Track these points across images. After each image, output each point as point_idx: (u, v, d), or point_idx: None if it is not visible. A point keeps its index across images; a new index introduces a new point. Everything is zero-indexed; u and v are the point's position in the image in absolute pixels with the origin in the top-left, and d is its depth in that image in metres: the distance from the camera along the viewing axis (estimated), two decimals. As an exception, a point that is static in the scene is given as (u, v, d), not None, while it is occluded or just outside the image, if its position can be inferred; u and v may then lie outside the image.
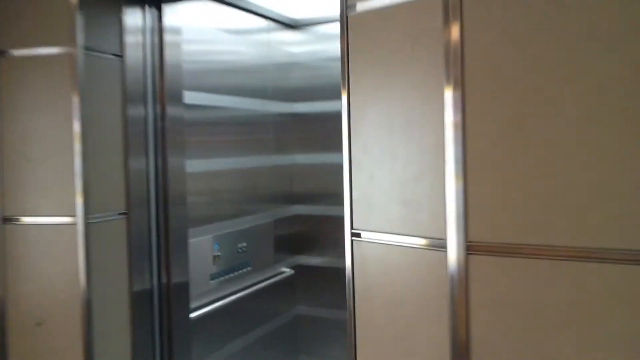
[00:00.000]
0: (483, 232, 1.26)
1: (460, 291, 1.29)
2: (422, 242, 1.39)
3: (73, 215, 1.55)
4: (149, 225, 1.73)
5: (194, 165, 2.31)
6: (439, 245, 1.34)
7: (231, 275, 2.51)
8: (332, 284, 3.06)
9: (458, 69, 1.26)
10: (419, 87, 1.36)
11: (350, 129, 1.57)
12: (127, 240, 1.65)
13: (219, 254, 2.42)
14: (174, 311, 1.85)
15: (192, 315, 2.20)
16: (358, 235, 1.59)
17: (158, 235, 1.76)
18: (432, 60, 1.31)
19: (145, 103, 1.87)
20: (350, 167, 1.59)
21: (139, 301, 1.73)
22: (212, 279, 2.39)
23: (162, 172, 1.78)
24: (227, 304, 2.43)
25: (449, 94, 1.28)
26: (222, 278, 2.45)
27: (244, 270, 2.61)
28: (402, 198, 1.44)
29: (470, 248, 1.29)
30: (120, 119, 1.73)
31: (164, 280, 1.81)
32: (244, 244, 2.60)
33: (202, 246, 2.33)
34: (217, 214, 2.46)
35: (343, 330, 3.26)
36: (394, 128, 1.44)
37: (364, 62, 1.49)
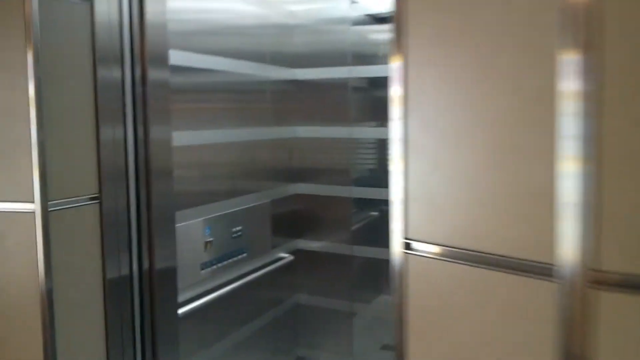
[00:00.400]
0: (622, 258, 0.85)
1: (580, 343, 0.92)
2: (512, 264, 0.98)
3: (31, 202, 1.23)
4: (127, 210, 1.41)
5: (182, 137, 1.98)
6: (544, 272, 0.94)
7: (224, 263, 2.21)
8: (334, 270, 2.78)
9: (591, 24, 0.91)
10: (519, 42, 0.96)
11: (404, 96, 1.12)
12: (99, 229, 1.33)
13: (211, 239, 2.12)
14: (159, 308, 1.55)
15: (181, 310, 1.90)
16: (411, 246, 1.14)
17: (139, 221, 1.44)
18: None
19: (122, 62, 1.53)
20: (405, 150, 1.14)
21: (114, 297, 1.42)
22: (203, 269, 2.09)
23: (143, 147, 1.46)
24: (220, 296, 2.14)
25: (573, 57, 0.90)
26: (214, 267, 2.15)
27: (239, 257, 2.31)
28: (481, 197, 1.02)
29: (597, 281, 0.88)
30: (89, 80, 1.39)
31: (145, 274, 1.50)
32: (239, 228, 2.29)
33: (192, 231, 2.02)
34: (208, 193, 2.15)
35: (345, 321, 3.00)
36: (472, 95, 1.02)
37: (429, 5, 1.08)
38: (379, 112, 2.85)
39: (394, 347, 1.15)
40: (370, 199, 2.86)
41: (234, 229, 2.27)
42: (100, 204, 1.32)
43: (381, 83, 2.87)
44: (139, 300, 1.47)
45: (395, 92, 1.11)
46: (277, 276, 2.60)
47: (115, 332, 1.40)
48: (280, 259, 2.63)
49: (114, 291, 1.37)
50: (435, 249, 1.08)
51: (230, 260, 2.25)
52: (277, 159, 2.63)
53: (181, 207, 1.97)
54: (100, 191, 1.32)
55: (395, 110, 1.12)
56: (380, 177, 2.93)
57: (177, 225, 1.93)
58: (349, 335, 2.80)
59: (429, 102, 1.08)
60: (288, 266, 2.65)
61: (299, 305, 2.87)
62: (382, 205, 2.96)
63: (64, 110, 1.30)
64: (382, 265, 2.89)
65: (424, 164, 1.10)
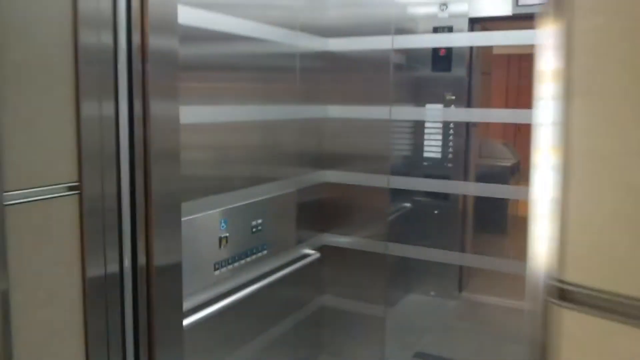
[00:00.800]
0: None
1: None
2: None
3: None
4: (118, 200, 1.09)
5: (192, 113, 1.65)
6: None
7: (242, 262, 1.90)
8: (365, 270, 2.45)
9: None
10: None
11: (563, 71, 0.77)
12: (79, 221, 1.01)
13: (227, 234, 1.80)
14: (158, 315, 1.24)
15: (187, 321, 1.59)
16: (568, 294, 0.74)
17: (133, 214, 1.12)
18: None
19: (114, 18, 1.18)
20: (563, 146, 0.75)
21: (98, 300, 1.11)
22: (217, 269, 1.77)
23: (141, 125, 1.13)
24: (236, 300, 1.82)
25: None
26: (230, 266, 1.83)
27: (259, 254, 1.99)
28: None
29: None
30: (68, 42, 1.05)
31: (140, 273, 1.18)
32: (259, 221, 1.97)
33: (203, 225, 1.70)
34: (224, 181, 1.82)
35: (375, 327, 2.68)
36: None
37: None
38: (423, 91, 2.49)
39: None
40: (410, 191, 2.52)
41: (254, 222, 1.94)
42: (81, 193, 1.00)
43: (427, 56, 2.50)
44: (131, 305, 1.15)
45: (547, 64, 0.74)
46: (300, 276, 2.28)
47: (99, 341, 1.09)
48: (305, 256, 2.31)
49: (98, 293, 1.05)
50: (612, 302, 0.68)
51: (248, 259, 1.93)
52: (304, 142, 2.30)
53: (190, 197, 1.65)
54: (80, 178, 1.00)
55: (546, 91, 0.75)
56: (422, 166, 2.58)
57: (185, 218, 1.61)
58: (380, 342, 2.48)
59: (605, 85, 0.70)
60: (313, 265, 2.32)
61: (324, 309, 2.55)
62: (424, 198, 2.62)
63: (29, 76, 0.97)
64: (419, 267, 2.55)
65: (594, 172, 0.71)
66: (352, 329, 2.52)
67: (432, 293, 2.78)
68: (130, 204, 1.13)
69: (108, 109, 1.08)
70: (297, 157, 2.25)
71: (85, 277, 1.05)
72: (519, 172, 3.56)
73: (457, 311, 2.77)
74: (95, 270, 1.08)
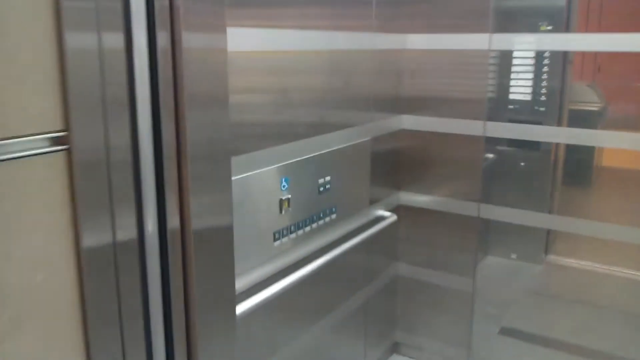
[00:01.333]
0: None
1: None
2: None
3: None
4: (134, 155, 0.72)
5: (242, 38, 1.25)
6: None
7: (307, 229, 1.52)
8: (448, 235, 2.05)
9: None
10: None
11: None
12: (68, 178, 0.65)
13: (289, 196, 1.42)
14: (201, 300, 0.88)
15: (241, 309, 1.24)
16: None
17: (158, 174, 0.75)
18: None
19: None
20: None
21: (101, 277, 0.76)
22: (277, 239, 1.41)
23: (169, 54, 0.73)
24: (300, 278, 1.46)
25: None
26: (292, 235, 1.46)
27: (327, 219, 1.61)
28: None
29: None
30: None
31: (175, 250, 0.82)
32: (328, 178, 1.58)
33: (258, 186, 1.33)
34: (285, 128, 1.43)
35: (458, 301, 2.27)
36: None
37: None
38: (536, 15, 1.99)
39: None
40: (513, 141, 2.06)
41: (322, 180, 1.56)
42: (70, 149, 0.63)
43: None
44: (159, 283, 0.80)
45: None
46: (373, 242, 1.90)
47: (106, 330, 0.75)
48: (380, 219, 1.92)
49: (100, 267, 0.70)
50: None
51: (314, 225, 1.55)
52: (380, 80, 1.86)
53: (241, 149, 1.27)
54: (68, 124, 0.63)
55: None
56: (507, 110, 2.10)
57: (235, 178, 1.23)
58: (465, 318, 2.10)
59: None
60: (389, 228, 1.93)
61: (398, 278, 2.18)
62: (508, 148, 2.16)
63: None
64: (499, 226, 2.12)
65: None
66: (428, 302, 2.14)
67: (513, 256, 2.35)
68: (155, 158, 0.75)
69: (112, 39, 0.69)
70: (371, 98, 1.82)
71: (80, 249, 0.69)
72: (606, 117, 3.00)
73: (544, 277, 2.33)
74: (95, 239, 0.72)
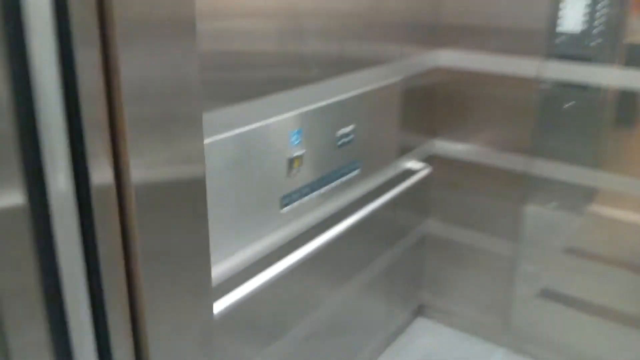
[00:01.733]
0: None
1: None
2: None
3: None
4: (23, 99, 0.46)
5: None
6: None
7: (321, 191, 1.27)
8: (487, 189, 1.78)
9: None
10: None
11: None
12: None
13: (301, 152, 1.16)
14: (152, 298, 0.64)
15: (220, 307, 1.01)
16: None
17: (73, 118, 0.49)
18: None
19: None
20: None
21: None
22: (285, 205, 1.16)
23: None
24: (311, 252, 1.22)
25: None
26: (306, 199, 1.21)
27: (347, 176, 1.35)
28: None
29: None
30: None
31: (107, 216, 0.57)
32: (350, 128, 1.31)
33: (262, 140, 1.06)
34: (296, 67, 1.14)
35: (492, 263, 2.00)
36: None
37: None
38: None
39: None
40: (579, 84, 1.73)
41: (342, 131, 1.28)
42: None
43: None
44: (82, 261, 0.55)
45: None
46: (401, 198, 1.64)
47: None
48: (410, 172, 1.65)
49: None
50: None
51: (333, 184, 1.30)
52: (415, 3, 1.53)
53: (240, 95, 0.99)
54: None
55: None
56: (552, 44, 1.76)
57: (232, 132, 0.97)
58: (504, 283, 1.87)
59: None
60: (421, 182, 1.67)
61: (428, 237, 1.94)
62: (551, 87, 1.83)
63: None
64: (567, 191, 1.83)
65: None
66: (464, 263, 1.91)
67: (553, 204, 2.07)
68: (66, 98, 0.49)
69: None
70: (403, 28, 1.50)
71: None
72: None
73: (587, 231, 2.06)
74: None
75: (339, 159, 1.30)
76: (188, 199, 0.65)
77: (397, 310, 1.89)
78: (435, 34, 1.65)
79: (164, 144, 0.59)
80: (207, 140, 0.92)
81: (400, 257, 1.81)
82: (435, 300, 2.01)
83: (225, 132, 0.97)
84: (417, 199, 1.81)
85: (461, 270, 1.92)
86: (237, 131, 0.99)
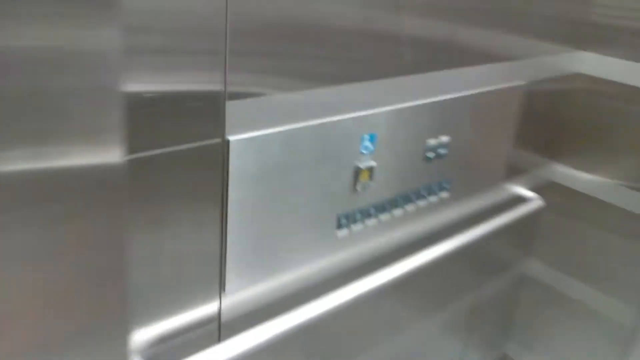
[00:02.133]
0: None
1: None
2: None
3: None
4: None
5: None
6: None
7: (398, 212, 0.99)
8: (612, 236, 1.39)
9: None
10: None
11: None
12: None
13: (372, 163, 0.89)
14: None
15: (283, 325, 0.78)
16: None
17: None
18: None
19: None
20: None
21: None
22: (342, 226, 0.90)
23: None
24: (377, 287, 0.95)
25: None
26: (372, 221, 0.95)
27: (434, 197, 1.06)
28: None
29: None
30: None
31: None
32: (444, 139, 1.01)
33: (321, 145, 0.81)
34: (380, 53, 0.86)
35: (599, 328, 1.51)
36: None
37: None
38: None
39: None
40: None
41: (433, 142, 0.99)
42: None
43: None
44: None
45: None
46: (502, 230, 1.32)
47: None
48: (517, 201, 1.31)
49: None
50: None
51: (411, 207, 1.01)
52: (559, -8, 1.18)
53: (292, 84, 0.74)
54: None
55: None
56: None
57: (277, 129, 0.73)
58: (606, 348, 1.49)
59: None
60: (529, 215, 1.33)
61: (527, 280, 1.59)
62: None
63: None
64: None
65: None
66: (566, 318, 1.54)
67: None
68: None
69: None
70: (537, 17, 1.16)
71: None
72: None
73: None
74: None
75: (424, 176, 1.01)
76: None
77: (474, 357, 1.57)
78: (581, 31, 1.28)
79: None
80: (245, 135, 0.69)
81: (489, 298, 1.49)
82: (522, 354, 1.67)
83: (272, 127, 0.72)
84: (520, 233, 1.47)
85: (562, 327, 1.56)
86: (288, 127, 0.74)
